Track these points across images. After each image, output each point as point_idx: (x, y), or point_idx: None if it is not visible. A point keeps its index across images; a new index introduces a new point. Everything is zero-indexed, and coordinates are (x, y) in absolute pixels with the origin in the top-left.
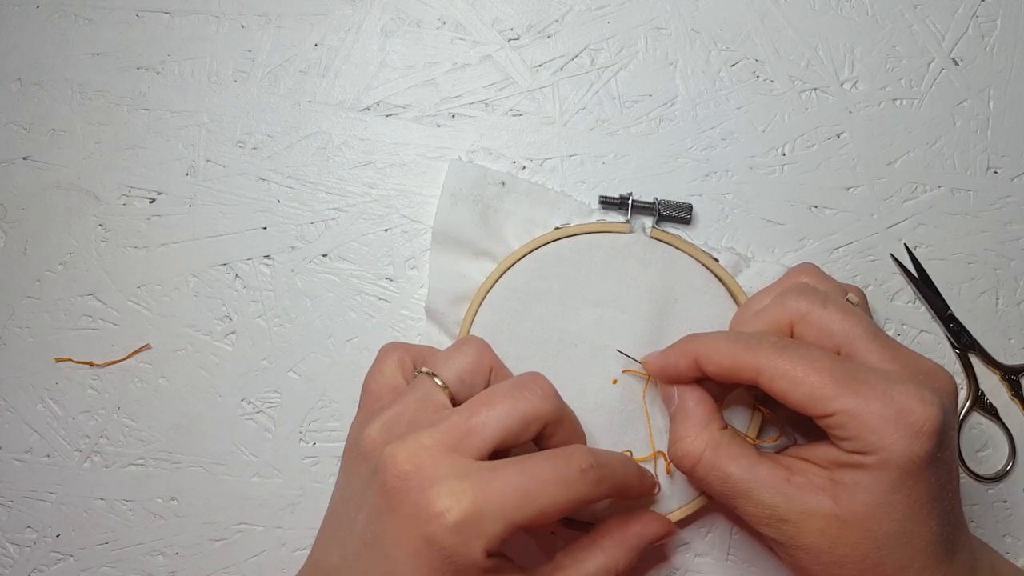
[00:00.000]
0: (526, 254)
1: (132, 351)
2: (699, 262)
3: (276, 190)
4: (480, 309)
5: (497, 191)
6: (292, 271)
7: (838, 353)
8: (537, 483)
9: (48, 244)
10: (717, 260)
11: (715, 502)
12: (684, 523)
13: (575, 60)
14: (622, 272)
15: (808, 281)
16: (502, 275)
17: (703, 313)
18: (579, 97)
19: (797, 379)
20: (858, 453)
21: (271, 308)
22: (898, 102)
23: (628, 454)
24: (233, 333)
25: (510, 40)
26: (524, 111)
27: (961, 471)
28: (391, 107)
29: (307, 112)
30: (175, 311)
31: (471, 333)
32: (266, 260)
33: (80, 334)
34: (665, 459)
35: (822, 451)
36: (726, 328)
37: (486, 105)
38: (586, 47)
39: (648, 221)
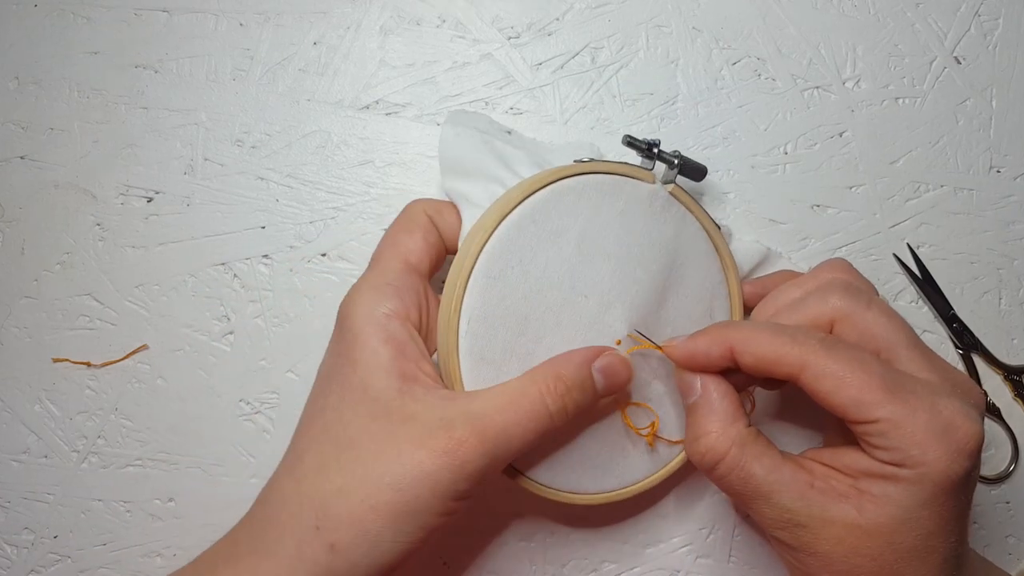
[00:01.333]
0: (549, 183)
1: (130, 351)
2: (704, 229)
3: (275, 189)
4: (491, 238)
5: (504, 136)
6: (291, 271)
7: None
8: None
9: (46, 244)
10: (720, 228)
11: (685, 471)
12: (658, 492)
13: (576, 58)
14: (638, 224)
15: (844, 278)
16: (520, 202)
17: (701, 282)
18: (580, 96)
19: (845, 381)
20: (893, 465)
21: (270, 308)
22: (900, 101)
23: (627, 421)
24: (231, 333)
25: (510, 38)
26: (524, 109)
27: None
28: (390, 106)
29: (306, 111)
30: (173, 311)
31: (478, 265)
32: (264, 260)
33: (78, 334)
34: (655, 426)
35: (849, 458)
36: (713, 300)
37: (486, 104)
38: (587, 45)
39: (662, 173)
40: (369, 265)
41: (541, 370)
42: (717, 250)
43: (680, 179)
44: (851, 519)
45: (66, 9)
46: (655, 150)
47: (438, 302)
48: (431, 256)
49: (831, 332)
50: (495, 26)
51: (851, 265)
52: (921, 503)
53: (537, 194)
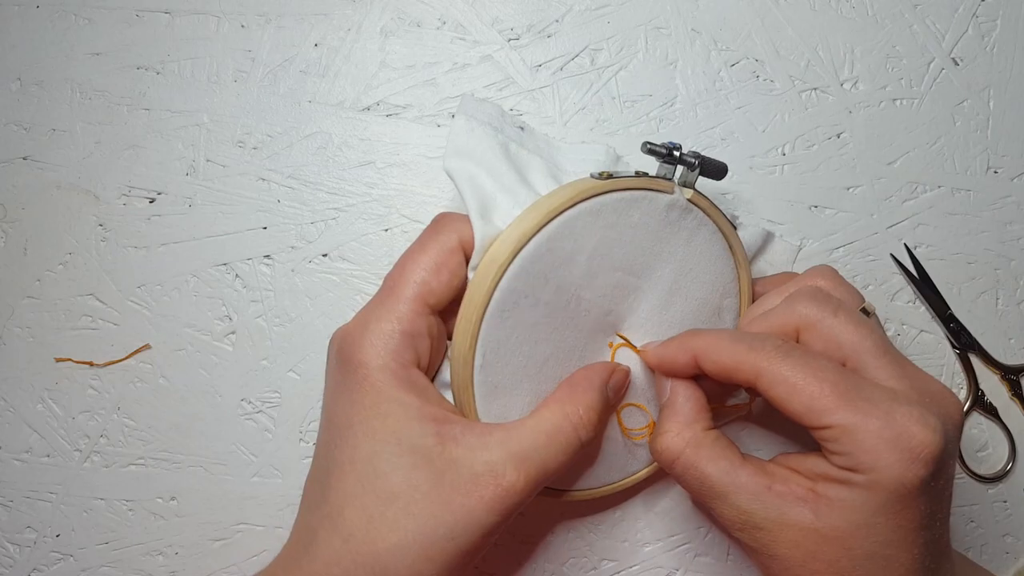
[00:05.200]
0: (566, 209)
1: (132, 351)
2: (720, 230)
3: (276, 190)
4: (506, 274)
5: (517, 134)
6: (292, 271)
7: (844, 365)
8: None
9: (48, 244)
10: (736, 229)
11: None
12: (648, 482)
13: (575, 60)
14: (651, 232)
15: (824, 285)
16: (536, 233)
17: (712, 283)
18: (579, 97)
19: (797, 387)
20: (848, 470)
21: (271, 308)
22: (898, 102)
23: (621, 424)
24: (233, 333)
25: (510, 40)
26: (524, 111)
27: (961, 471)
28: (391, 107)
29: (307, 112)
30: (175, 311)
31: (492, 300)
32: (266, 260)
33: (80, 334)
34: (652, 426)
35: (811, 462)
36: (724, 299)
37: None
38: (586, 47)
39: (678, 176)
40: (383, 290)
41: (569, 400)
42: (732, 251)
43: (700, 180)
44: (807, 522)
45: (68, 10)
46: (676, 154)
47: (446, 331)
48: (451, 297)
49: (798, 340)
50: (495, 28)
51: (835, 271)
52: (875, 509)
53: (553, 222)
